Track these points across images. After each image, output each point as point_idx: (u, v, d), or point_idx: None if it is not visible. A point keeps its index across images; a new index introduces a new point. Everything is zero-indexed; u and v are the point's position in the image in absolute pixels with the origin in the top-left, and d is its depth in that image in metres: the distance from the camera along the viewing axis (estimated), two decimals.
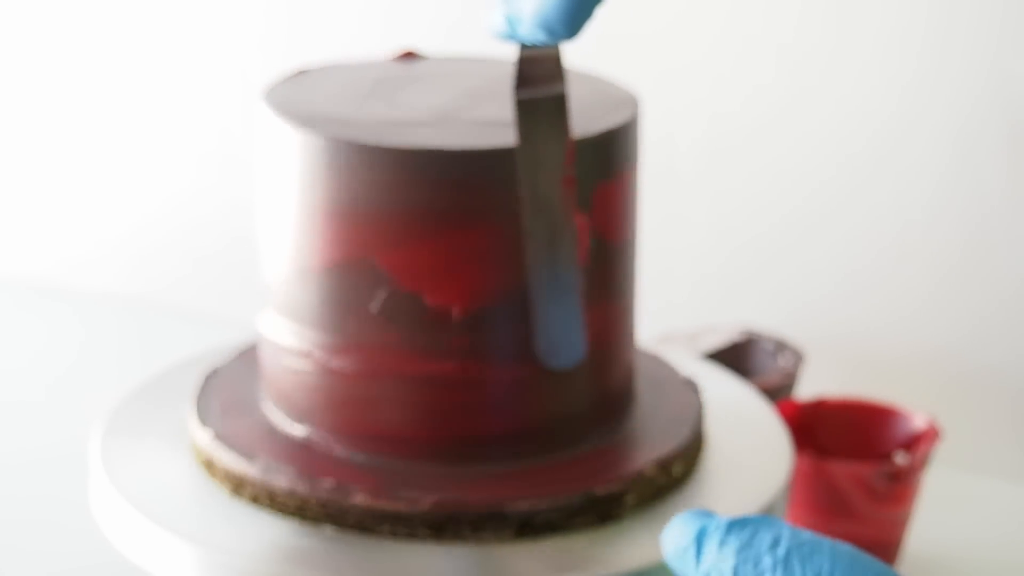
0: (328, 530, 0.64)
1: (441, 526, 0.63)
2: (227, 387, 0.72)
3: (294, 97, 0.69)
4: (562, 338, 0.65)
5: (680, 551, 0.49)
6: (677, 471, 0.68)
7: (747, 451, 0.72)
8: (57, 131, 1.31)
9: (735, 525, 0.48)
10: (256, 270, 0.70)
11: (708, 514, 0.49)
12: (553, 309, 0.64)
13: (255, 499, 0.66)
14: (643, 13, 1.09)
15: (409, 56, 0.74)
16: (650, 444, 0.69)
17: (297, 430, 0.68)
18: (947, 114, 1.05)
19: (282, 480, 0.65)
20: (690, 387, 0.74)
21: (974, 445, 1.06)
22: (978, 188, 1.05)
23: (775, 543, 0.47)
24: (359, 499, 0.64)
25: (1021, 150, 1.03)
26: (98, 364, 1.16)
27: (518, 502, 0.63)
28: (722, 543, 0.48)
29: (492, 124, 0.66)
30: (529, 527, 0.63)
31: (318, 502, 0.64)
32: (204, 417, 0.70)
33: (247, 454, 0.66)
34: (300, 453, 0.67)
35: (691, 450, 0.69)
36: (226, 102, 1.24)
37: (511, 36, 0.61)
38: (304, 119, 0.66)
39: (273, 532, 0.64)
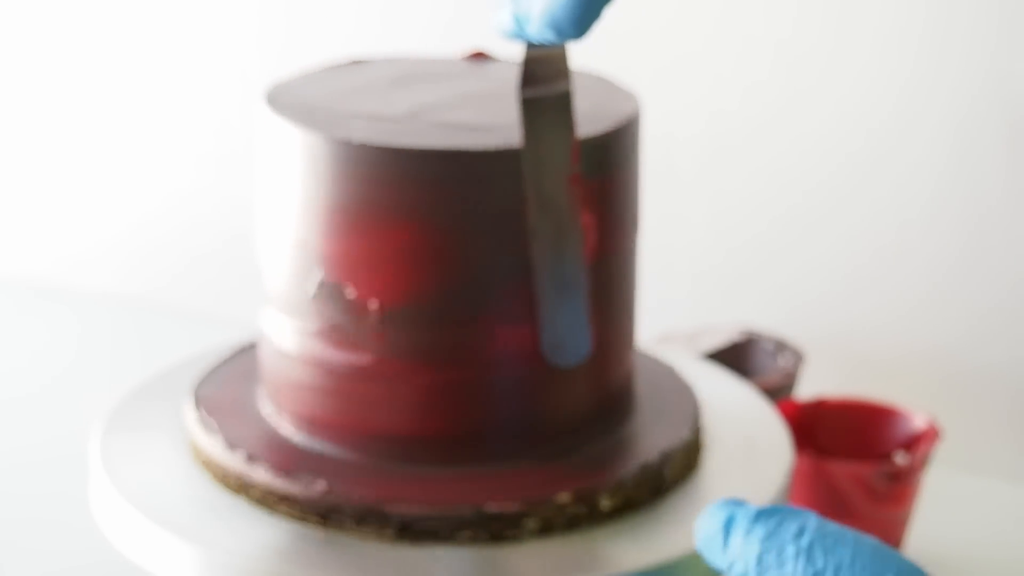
0: (241, 504, 0.65)
1: (326, 515, 0.64)
2: (242, 362, 0.74)
3: (303, 87, 0.70)
4: (568, 336, 0.65)
5: (709, 538, 0.50)
6: (605, 505, 0.65)
7: (747, 451, 0.72)
8: (54, 130, 1.31)
9: (763, 514, 0.49)
10: (254, 268, 0.71)
11: (739, 503, 0.50)
12: (559, 307, 0.64)
13: (201, 464, 0.68)
14: (642, 11, 1.09)
15: (479, 57, 0.74)
16: (587, 471, 0.67)
17: (265, 407, 0.70)
18: (946, 112, 1.05)
19: (212, 447, 0.67)
20: (688, 422, 0.72)
21: (974, 445, 1.06)
22: (977, 186, 1.05)
23: (800, 533, 0.48)
24: (259, 475, 0.65)
25: (1020, 149, 1.03)
26: (96, 363, 1.16)
27: (399, 504, 0.63)
28: (748, 531, 0.49)
29: (452, 127, 0.66)
30: (409, 531, 0.63)
31: (233, 473, 0.66)
32: (201, 384, 0.72)
33: (205, 421, 0.69)
34: (246, 425, 0.69)
35: (631, 484, 0.66)
36: (224, 101, 1.24)
37: (519, 35, 0.61)
38: (282, 106, 0.67)
39: (271, 532, 0.64)
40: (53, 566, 0.90)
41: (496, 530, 0.64)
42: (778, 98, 1.08)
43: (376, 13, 1.18)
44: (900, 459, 0.88)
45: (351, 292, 0.65)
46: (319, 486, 0.64)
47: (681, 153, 1.11)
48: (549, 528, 0.64)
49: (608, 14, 0.60)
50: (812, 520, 0.49)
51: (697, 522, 0.51)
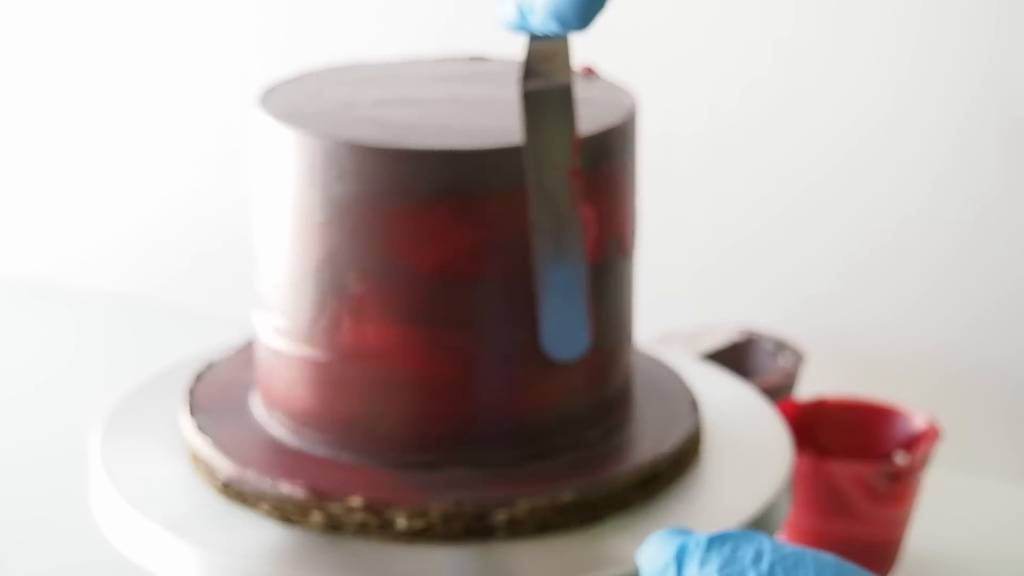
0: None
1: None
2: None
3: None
4: (567, 330, 0.65)
5: (659, 570, 0.49)
6: (401, 524, 0.64)
7: (747, 451, 0.72)
8: (53, 130, 1.30)
9: (715, 541, 0.48)
10: (252, 268, 0.71)
11: (686, 531, 0.49)
12: (558, 301, 0.64)
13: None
14: (641, 8, 1.08)
15: (588, 72, 0.74)
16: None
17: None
18: (944, 110, 1.04)
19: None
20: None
21: (973, 444, 1.05)
22: (976, 184, 1.05)
23: (758, 557, 0.47)
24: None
25: (1018, 146, 1.03)
26: (94, 363, 1.16)
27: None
28: (703, 561, 0.48)
29: (377, 123, 0.66)
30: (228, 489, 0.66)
31: (202, 459, 0.68)
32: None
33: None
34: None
35: (436, 513, 0.65)
36: (222, 100, 1.23)
37: (522, 26, 0.60)
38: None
39: (270, 532, 0.64)
40: (52, 566, 0.90)
41: (286, 512, 0.64)
42: (777, 96, 1.08)
43: (376, 13, 1.18)
44: (900, 459, 0.88)
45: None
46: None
47: (680, 151, 1.11)
48: (338, 526, 0.64)
49: (607, 11, 0.60)
50: (767, 543, 0.47)
51: (640, 553, 0.49)
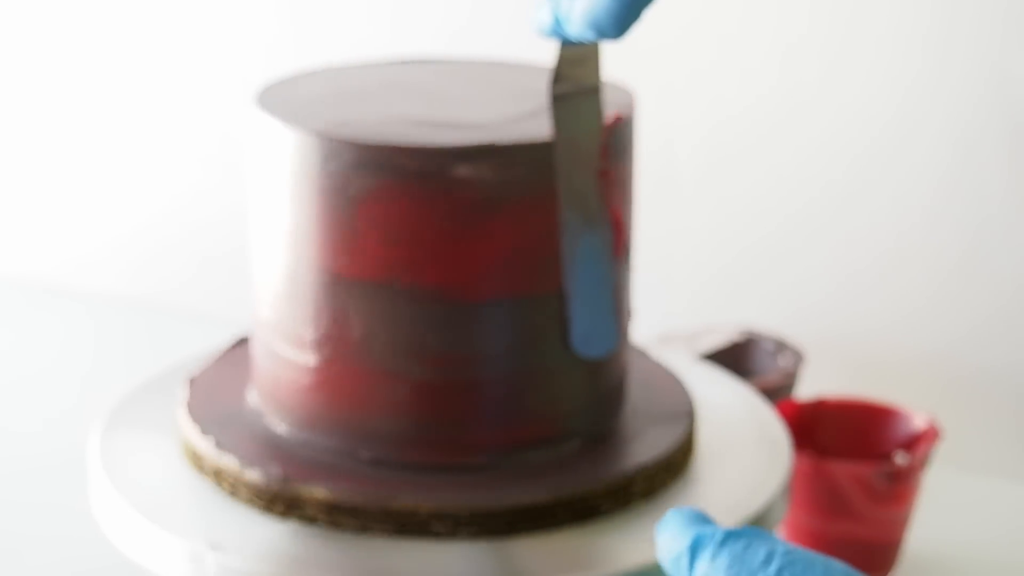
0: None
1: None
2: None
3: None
4: (596, 328, 0.66)
5: (675, 558, 0.49)
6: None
7: (747, 451, 0.72)
8: (62, 133, 1.31)
9: (730, 537, 0.48)
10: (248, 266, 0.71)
11: (705, 520, 0.49)
12: (587, 299, 0.65)
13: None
14: (645, 19, 1.08)
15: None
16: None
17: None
18: (948, 117, 1.05)
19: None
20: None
21: (974, 445, 1.06)
22: (979, 191, 1.05)
23: (768, 559, 0.47)
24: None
25: (1021, 154, 1.03)
26: (103, 365, 1.16)
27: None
28: (715, 556, 0.48)
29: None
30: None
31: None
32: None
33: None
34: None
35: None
36: (231, 104, 1.24)
37: (558, 33, 0.61)
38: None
39: (272, 532, 0.64)
40: (56, 567, 0.90)
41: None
42: (779, 104, 1.08)
43: (386, 19, 1.18)
44: (900, 459, 0.88)
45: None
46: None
47: (683, 159, 1.11)
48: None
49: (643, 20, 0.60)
50: (780, 545, 0.47)
51: (660, 535, 0.50)
